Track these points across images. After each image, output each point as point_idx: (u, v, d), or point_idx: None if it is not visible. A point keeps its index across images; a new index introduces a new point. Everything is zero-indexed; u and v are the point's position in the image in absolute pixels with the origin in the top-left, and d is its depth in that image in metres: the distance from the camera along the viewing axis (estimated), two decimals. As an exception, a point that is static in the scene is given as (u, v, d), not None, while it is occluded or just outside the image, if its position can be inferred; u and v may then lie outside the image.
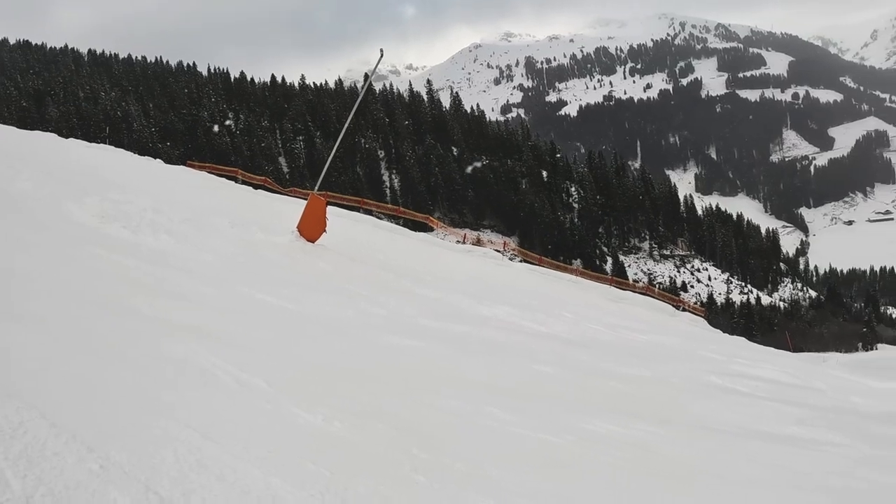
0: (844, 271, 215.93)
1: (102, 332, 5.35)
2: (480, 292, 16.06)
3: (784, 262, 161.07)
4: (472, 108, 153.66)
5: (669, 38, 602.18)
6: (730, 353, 15.95)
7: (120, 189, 14.44)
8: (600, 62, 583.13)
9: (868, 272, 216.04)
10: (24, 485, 2.73)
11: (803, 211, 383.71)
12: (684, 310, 41.04)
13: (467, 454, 4.45)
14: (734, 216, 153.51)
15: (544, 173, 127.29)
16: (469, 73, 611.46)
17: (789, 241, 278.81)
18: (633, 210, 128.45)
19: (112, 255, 9.01)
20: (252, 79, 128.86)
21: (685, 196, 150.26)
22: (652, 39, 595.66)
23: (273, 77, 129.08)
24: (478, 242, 54.68)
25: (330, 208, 16.54)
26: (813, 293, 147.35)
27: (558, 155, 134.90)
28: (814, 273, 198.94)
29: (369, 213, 46.40)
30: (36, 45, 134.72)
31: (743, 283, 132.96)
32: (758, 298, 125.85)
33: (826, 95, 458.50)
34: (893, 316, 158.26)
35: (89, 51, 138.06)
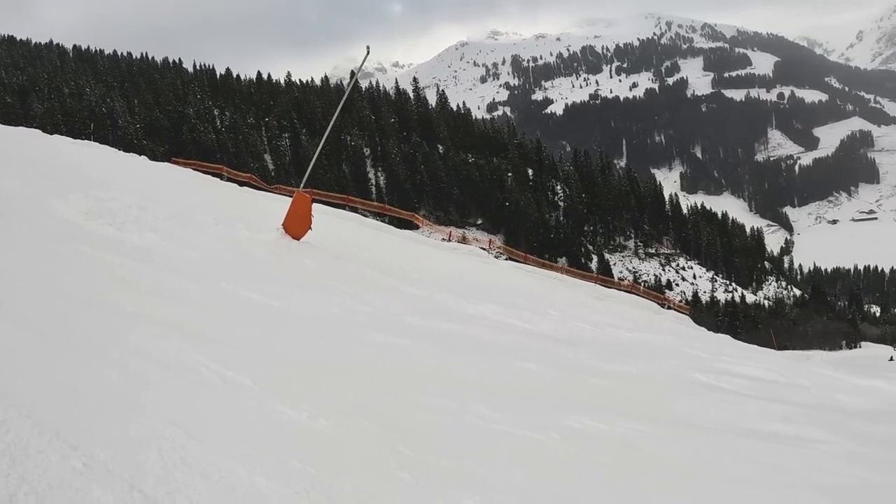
0: (828, 270, 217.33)
1: (86, 330, 5.32)
2: (466, 290, 16.05)
3: (769, 260, 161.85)
4: (458, 106, 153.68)
5: (656, 37, 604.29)
6: (714, 351, 16.00)
7: (105, 186, 14.36)
8: (587, 61, 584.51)
9: (852, 271, 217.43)
10: (8, 483, 2.71)
11: (788, 210, 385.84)
12: (669, 308, 41.16)
13: (453, 452, 4.44)
14: (719, 215, 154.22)
15: (530, 171, 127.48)
16: (455, 71, 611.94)
17: (774, 240, 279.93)
18: (618, 208, 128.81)
19: (96, 252, 8.96)
20: (238, 75, 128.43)
21: (670, 195, 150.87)
22: (638, 39, 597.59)
23: (259, 74, 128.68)
24: (463, 240, 54.73)
25: (315, 206, 16.48)
26: (797, 292, 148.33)
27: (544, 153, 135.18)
28: (798, 272, 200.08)
29: (355, 210, 46.35)
30: (21, 40, 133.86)
31: (728, 282, 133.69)
32: (742, 297, 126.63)
33: (811, 95, 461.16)
34: (877, 314, 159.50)
35: (74, 46, 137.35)
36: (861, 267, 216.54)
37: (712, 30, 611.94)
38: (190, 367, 4.83)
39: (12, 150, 17.56)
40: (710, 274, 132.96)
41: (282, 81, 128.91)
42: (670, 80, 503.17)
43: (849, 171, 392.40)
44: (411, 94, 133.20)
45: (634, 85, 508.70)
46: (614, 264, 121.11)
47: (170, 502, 2.91)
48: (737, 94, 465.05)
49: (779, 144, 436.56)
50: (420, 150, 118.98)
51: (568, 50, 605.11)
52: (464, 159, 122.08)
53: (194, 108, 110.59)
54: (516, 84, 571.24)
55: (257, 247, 13.66)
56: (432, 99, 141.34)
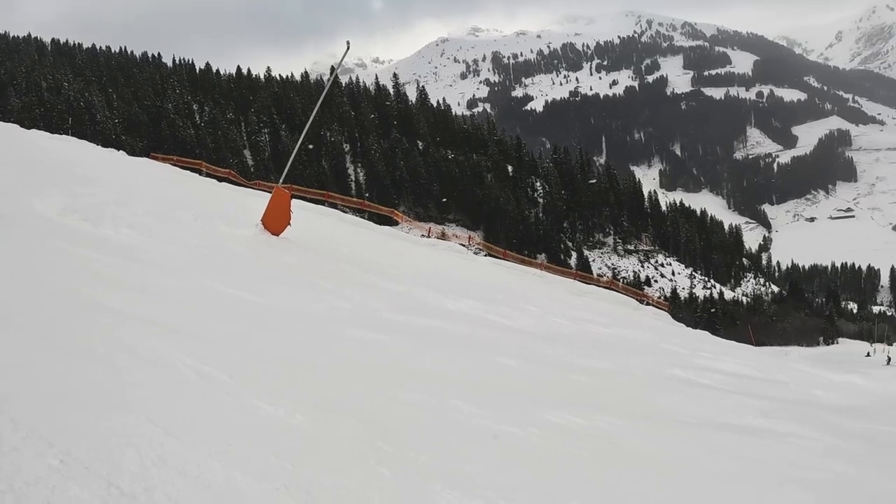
0: (806, 267, 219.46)
1: (63, 326, 5.27)
2: (445, 286, 16.06)
3: (747, 257, 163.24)
4: (438, 102, 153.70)
5: (636, 35, 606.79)
6: (693, 347, 16.10)
7: (83, 181, 14.26)
8: (567, 58, 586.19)
9: (829, 268, 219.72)
10: (-19, 480, 2.68)
11: (766, 207, 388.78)
12: (648, 304, 41.35)
13: (432, 447, 4.44)
14: (698, 212, 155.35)
15: (510, 168, 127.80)
16: (436, 68, 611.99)
17: (752, 237, 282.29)
18: (597, 205, 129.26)
19: (74, 247, 8.88)
20: (217, 70, 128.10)
21: (650, 192, 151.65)
22: (619, 36, 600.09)
23: (239, 69, 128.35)
24: (443, 236, 54.79)
25: (294, 201, 16.43)
26: (775, 288, 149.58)
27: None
28: (776, 268, 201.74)
29: (334, 206, 46.18)
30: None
31: (706, 278, 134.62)
32: (721, 293, 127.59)
33: (790, 94, 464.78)
34: (854, 311, 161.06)
35: (53, 40, 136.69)
36: (838, 264, 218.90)
37: (692, 28, 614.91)
38: (167, 362, 4.79)
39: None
40: (689, 270, 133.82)
41: (262, 77, 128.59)
42: (650, 78, 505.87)
43: (827, 169, 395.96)
44: (391, 90, 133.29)
45: (614, 82, 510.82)
46: (593, 261, 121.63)
47: (147, 499, 2.89)
48: (716, 93, 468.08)
49: (757, 143, 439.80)
50: (400, 146, 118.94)
51: (548, 47, 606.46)
52: (443, 155, 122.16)
53: (173, 102, 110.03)
54: (497, 81, 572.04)
55: (236, 242, 13.59)
56: (412, 95, 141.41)
